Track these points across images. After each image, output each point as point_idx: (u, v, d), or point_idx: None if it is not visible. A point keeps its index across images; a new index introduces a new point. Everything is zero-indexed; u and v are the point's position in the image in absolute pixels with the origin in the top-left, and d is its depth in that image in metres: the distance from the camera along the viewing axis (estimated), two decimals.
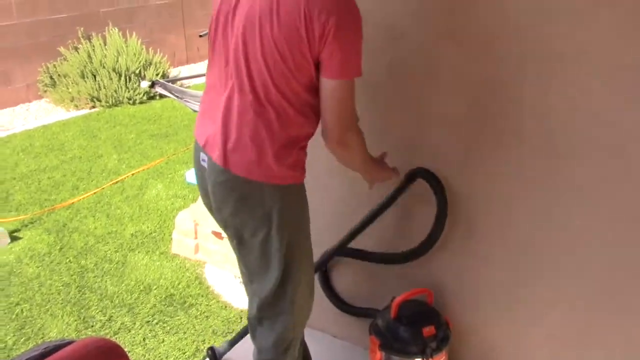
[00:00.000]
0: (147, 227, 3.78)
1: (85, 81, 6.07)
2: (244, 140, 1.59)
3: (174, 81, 6.27)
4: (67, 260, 3.41)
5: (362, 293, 2.35)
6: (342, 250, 2.22)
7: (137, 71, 6.30)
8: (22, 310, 2.98)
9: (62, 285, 3.18)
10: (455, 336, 2.06)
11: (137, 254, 3.48)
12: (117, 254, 3.48)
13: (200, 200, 2.57)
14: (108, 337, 2.74)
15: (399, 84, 2.02)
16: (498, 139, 1.89)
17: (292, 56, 1.50)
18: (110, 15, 6.74)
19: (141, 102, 6.16)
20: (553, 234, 1.88)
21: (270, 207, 1.65)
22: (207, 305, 3.02)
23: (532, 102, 1.78)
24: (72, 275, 3.26)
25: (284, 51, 1.50)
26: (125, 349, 1.57)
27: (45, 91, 6.28)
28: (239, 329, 2.45)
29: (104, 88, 6.01)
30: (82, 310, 2.97)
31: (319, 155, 1.77)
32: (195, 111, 4.63)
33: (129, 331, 2.83)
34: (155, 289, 3.15)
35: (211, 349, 2.33)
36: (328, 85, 1.55)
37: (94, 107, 6.03)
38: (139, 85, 6.23)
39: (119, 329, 2.85)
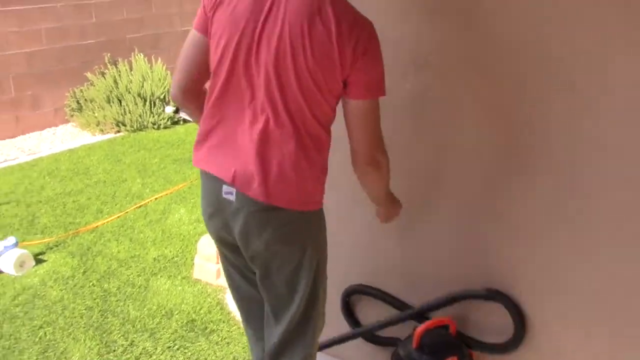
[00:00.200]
0: (170, 252, 3.80)
1: (111, 106, 6.17)
2: (286, 172, 1.63)
3: None
4: (91, 283, 3.44)
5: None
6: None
7: (161, 96, 6.39)
8: (45, 333, 3.01)
9: (85, 309, 3.20)
10: None
11: (160, 278, 3.50)
12: (140, 278, 3.50)
13: None
14: None
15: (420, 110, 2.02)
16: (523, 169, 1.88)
17: (326, 82, 1.57)
18: (136, 41, 6.87)
19: (165, 127, 6.23)
20: None
21: (307, 233, 1.71)
22: (229, 331, 3.02)
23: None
24: (95, 299, 3.29)
25: (319, 79, 1.56)
26: None
27: (72, 115, 6.39)
28: None
29: (129, 113, 6.11)
30: (104, 335, 2.99)
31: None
32: None
33: (150, 356, 2.83)
34: (177, 314, 3.16)
35: None
36: (356, 105, 1.62)
37: (119, 131, 6.12)
38: (163, 110, 6.30)
39: (140, 354, 2.85)
